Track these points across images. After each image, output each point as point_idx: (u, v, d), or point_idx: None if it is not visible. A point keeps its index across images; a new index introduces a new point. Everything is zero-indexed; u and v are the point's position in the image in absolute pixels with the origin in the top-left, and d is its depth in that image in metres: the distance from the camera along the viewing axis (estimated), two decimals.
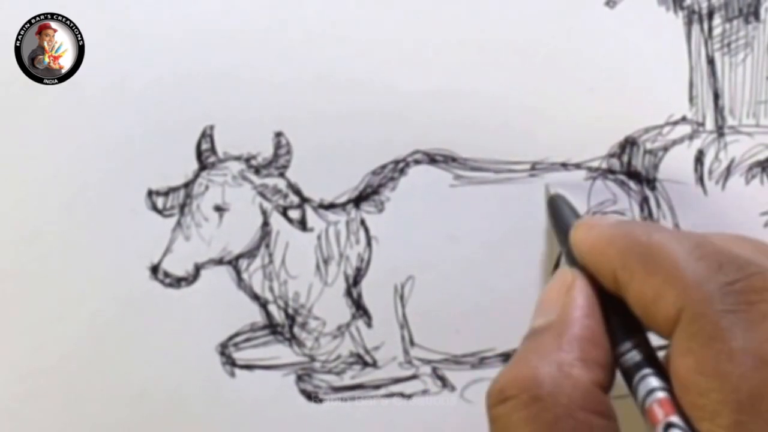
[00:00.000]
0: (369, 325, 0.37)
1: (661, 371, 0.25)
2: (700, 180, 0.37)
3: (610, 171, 0.37)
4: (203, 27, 0.36)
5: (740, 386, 0.21)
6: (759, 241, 0.26)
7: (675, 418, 0.23)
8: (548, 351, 0.25)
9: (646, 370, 0.25)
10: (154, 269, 0.36)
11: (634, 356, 0.26)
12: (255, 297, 0.37)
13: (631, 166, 0.37)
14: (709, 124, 0.37)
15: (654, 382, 0.24)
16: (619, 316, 0.27)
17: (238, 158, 0.36)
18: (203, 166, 0.36)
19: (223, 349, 0.37)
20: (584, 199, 0.37)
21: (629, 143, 0.37)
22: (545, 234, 0.36)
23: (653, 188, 0.37)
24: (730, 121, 0.37)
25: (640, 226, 0.27)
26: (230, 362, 0.37)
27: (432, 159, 0.36)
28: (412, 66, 0.36)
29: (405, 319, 0.37)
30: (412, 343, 0.37)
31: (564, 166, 0.37)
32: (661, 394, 0.24)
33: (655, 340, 0.27)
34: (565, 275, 0.28)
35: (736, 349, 0.21)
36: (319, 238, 0.37)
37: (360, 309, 0.37)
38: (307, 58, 0.36)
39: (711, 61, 0.37)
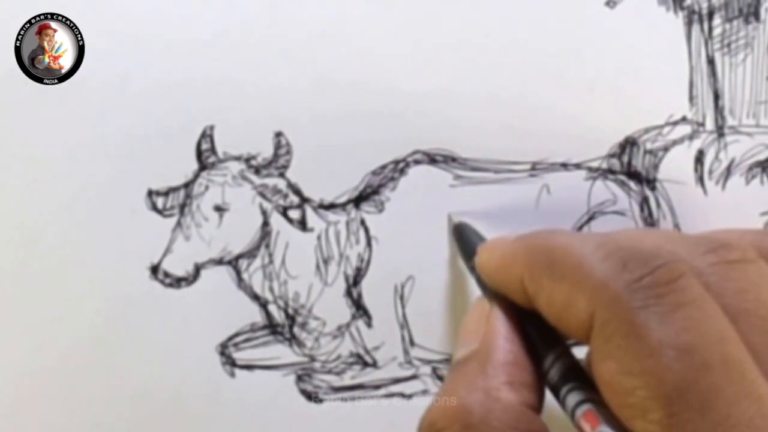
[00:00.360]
0: (369, 325, 0.37)
1: (585, 380, 0.24)
2: (700, 180, 0.37)
3: (610, 171, 0.37)
4: (203, 27, 0.36)
5: (665, 379, 0.21)
6: (666, 231, 0.26)
7: (603, 428, 0.23)
8: (474, 379, 0.25)
9: (569, 385, 0.25)
10: (154, 269, 0.36)
11: (555, 373, 0.25)
12: (255, 297, 0.37)
13: (631, 166, 0.37)
14: (709, 124, 0.37)
15: (577, 396, 0.24)
16: (537, 335, 0.26)
17: (238, 158, 0.36)
18: (203, 166, 0.36)
19: (223, 349, 0.37)
20: (584, 199, 0.37)
21: (629, 143, 0.37)
22: None
23: (653, 188, 0.37)
24: (730, 121, 0.37)
25: (541, 234, 0.26)
26: (230, 362, 0.37)
27: (432, 159, 0.36)
28: (412, 66, 0.36)
29: (405, 319, 0.37)
30: (412, 343, 0.37)
31: (564, 166, 0.37)
32: (585, 407, 0.24)
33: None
34: (482, 305, 0.28)
35: (654, 343, 0.21)
36: (319, 238, 0.37)
37: (360, 309, 0.37)
38: (307, 58, 0.36)
39: (711, 61, 0.37)
